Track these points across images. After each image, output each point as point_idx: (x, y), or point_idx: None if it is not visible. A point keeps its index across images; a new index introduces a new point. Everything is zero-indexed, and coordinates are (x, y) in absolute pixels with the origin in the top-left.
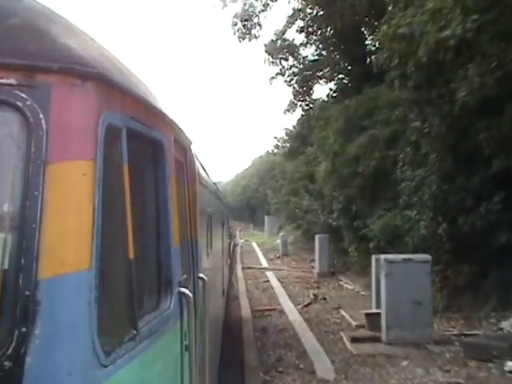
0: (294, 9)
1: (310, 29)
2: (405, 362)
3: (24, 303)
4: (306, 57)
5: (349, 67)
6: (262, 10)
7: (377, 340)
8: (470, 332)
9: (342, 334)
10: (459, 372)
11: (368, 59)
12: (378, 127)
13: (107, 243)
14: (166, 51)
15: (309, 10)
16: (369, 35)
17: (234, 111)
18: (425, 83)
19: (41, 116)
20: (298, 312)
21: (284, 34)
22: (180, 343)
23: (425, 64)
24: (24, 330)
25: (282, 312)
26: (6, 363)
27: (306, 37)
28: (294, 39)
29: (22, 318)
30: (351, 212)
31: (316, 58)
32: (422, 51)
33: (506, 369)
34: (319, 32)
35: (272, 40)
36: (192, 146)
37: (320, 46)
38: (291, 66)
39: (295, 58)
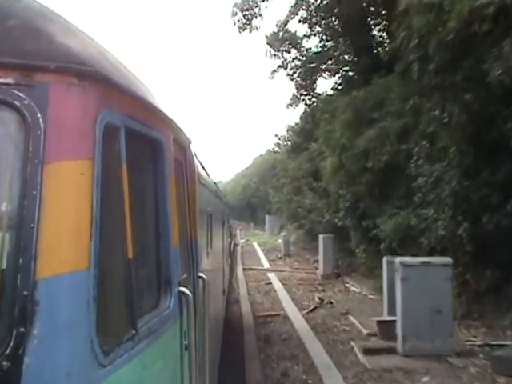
0: None
1: (313, 19)
2: (425, 378)
3: (22, 303)
4: (310, 49)
5: (355, 58)
6: (263, 0)
7: (392, 351)
8: (495, 342)
9: (352, 343)
10: None
11: (375, 50)
12: (389, 119)
13: (106, 243)
14: (165, 49)
15: (312, 0)
16: (375, 25)
17: (234, 110)
18: (449, 65)
19: (38, 115)
20: (304, 318)
21: (286, 25)
22: (180, 343)
23: (450, 42)
24: (22, 329)
25: (285, 318)
26: (5, 363)
27: (310, 28)
28: (296, 31)
29: (20, 317)
30: (359, 211)
31: (320, 50)
32: (453, 24)
33: None
34: (323, 22)
35: (274, 31)
36: (191, 145)
37: (324, 37)
38: (294, 59)
39: (298, 50)
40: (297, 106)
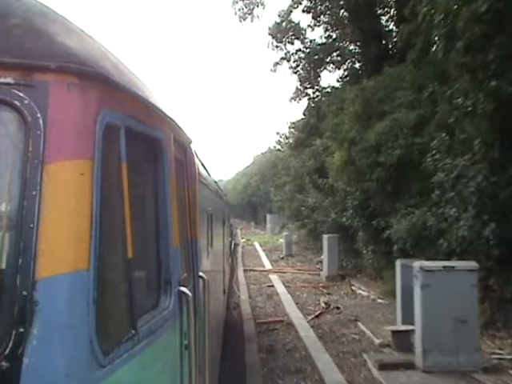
0: None
1: (318, 9)
2: None
3: (21, 303)
4: (314, 40)
5: (362, 48)
6: None
7: (411, 366)
8: None
9: (365, 356)
10: None
11: (383, 40)
12: (403, 110)
13: (106, 243)
14: (164, 45)
15: None
16: (383, 14)
17: (234, 109)
18: (480, 42)
19: (38, 115)
20: (309, 325)
21: (289, 15)
22: (180, 343)
23: (484, 14)
24: (21, 330)
25: (290, 325)
26: (4, 364)
27: (314, 18)
28: (300, 21)
29: (19, 318)
30: (368, 209)
31: (325, 41)
32: None
33: None
34: (328, 12)
35: (276, 22)
36: (192, 145)
37: (329, 27)
38: (297, 51)
39: (302, 42)
40: (300, 99)
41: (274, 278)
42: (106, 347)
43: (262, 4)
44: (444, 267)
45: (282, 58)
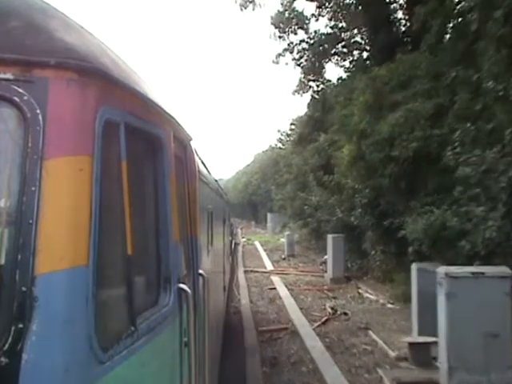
0: None
1: None
2: None
3: (21, 299)
4: (318, 30)
5: (372, 36)
6: None
7: None
8: None
9: (381, 372)
10: None
11: (394, 28)
12: (419, 100)
13: (105, 239)
14: (162, 41)
15: None
16: (393, 2)
17: (234, 107)
18: None
19: (38, 111)
20: (316, 333)
21: (293, 3)
22: (179, 340)
23: None
24: (21, 325)
25: (294, 333)
26: (3, 359)
27: (319, 7)
28: (304, 9)
29: (18, 313)
30: (378, 208)
31: (330, 31)
32: None
33: None
34: (334, 1)
35: (279, 10)
36: (192, 142)
37: (335, 16)
38: (301, 41)
39: (306, 32)
40: (304, 92)
41: (275, 279)
42: (105, 343)
43: None
44: (472, 273)
45: (285, 50)
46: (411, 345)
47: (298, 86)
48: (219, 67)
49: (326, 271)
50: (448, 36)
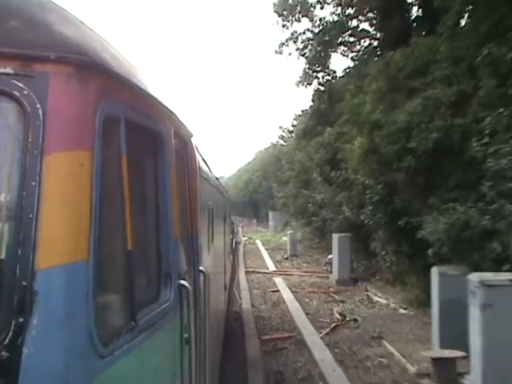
0: None
1: None
2: None
3: (21, 293)
4: (324, 18)
5: (381, 22)
6: None
7: None
8: None
9: None
10: None
11: (406, 14)
12: (439, 86)
13: (106, 234)
14: (162, 37)
15: None
16: None
17: (235, 104)
18: None
19: (38, 105)
20: (324, 343)
21: None
22: (180, 336)
23: None
24: (21, 320)
25: (301, 343)
26: (3, 353)
27: None
28: None
29: (19, 308)
30: (391, 206)
31: (336, 19)
32: None
33: None
34: None
35: None
36: (193, 139)
37: (341, 2)
38: (305, 30)
39: (310, 20)
40: (308, 84)
41: (278, 281)
42: (105, 338)
43: None
44: (511, 281)
45: (289, 39)
46: (435, 360)
47: (302, 76)
48: (219, 64)
49: (331, 272)
50: (466, 17)
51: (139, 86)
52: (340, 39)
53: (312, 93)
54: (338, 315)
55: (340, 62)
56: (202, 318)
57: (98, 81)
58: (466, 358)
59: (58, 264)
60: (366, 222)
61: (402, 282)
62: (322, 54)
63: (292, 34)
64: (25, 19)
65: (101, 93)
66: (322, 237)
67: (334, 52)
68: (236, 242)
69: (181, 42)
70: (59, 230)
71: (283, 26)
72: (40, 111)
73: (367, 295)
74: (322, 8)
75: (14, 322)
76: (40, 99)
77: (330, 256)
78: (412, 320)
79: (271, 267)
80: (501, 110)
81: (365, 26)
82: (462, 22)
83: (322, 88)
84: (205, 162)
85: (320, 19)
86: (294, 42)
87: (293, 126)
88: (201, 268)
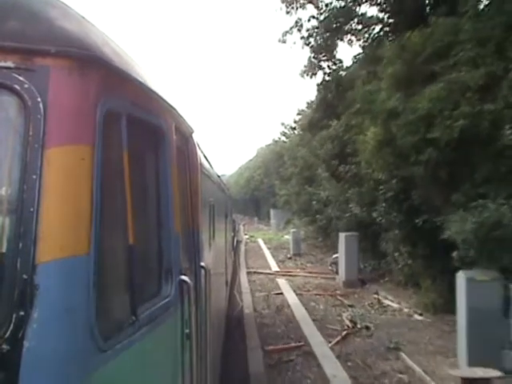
0: None
1: None
2: None
3: (22, 287)
4: (330, 3)
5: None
6: None
7: None
8: None
9: None
10: None
11: None
12: (464, 69)
13: (107, 228)
14: (159, 32)
15: None
16: None
17: (235, 101)
18: None
19: (39, 99)
20: (335, 355)
21: None
22: (181, 331)
23: None
24: (22, 313)
25: (309, 354)
26: (4, 346)
27: None
28: None
29: (19, 301)
30: (406, 203)
31: (343, 4)
32: None
33: None
34: None
35: None
36: (194, 135)
37: None
38: (310, 18)
39: (316, 7)
40: (314, 74)
41: (282, 282)
42: (106, 332)
43: None
44: None
45: (293, 27)
46: (465, 380)
47: (306, 66)
48: (220, 62)
49: (337, 273)
50: None
51: (140, 80)
52: (347, 26)
53: (318, 83)
54: (348, 322)
55: (347, 52)
56: (203, 314)
57: (99, 75)
58: (503, 378)
59: (59, 258)
60: (378, 220)
61: (415, 285)
62: (329, 41)
63: (296, 21)
64: (26, 14)
65: (101, 87)
66: (326, 235)
67: (340, 41)
68: (237, 241)
69: (180, 39)
70: (60, 224)
71: (287, 12)
72: (41, 105)
73: (378, 299)
74: None
75: (14, 316)
76: (41, 93)
77: (335, 255)
78: (430, 328)
79: (274, 267)
80: None
81: (373, 11)
82: (484, 1)
83: (329, 78)
84: (206, 159)
85: (326, 5)
86: (299, 30)
87: (295, 122)
88: (202, 264)
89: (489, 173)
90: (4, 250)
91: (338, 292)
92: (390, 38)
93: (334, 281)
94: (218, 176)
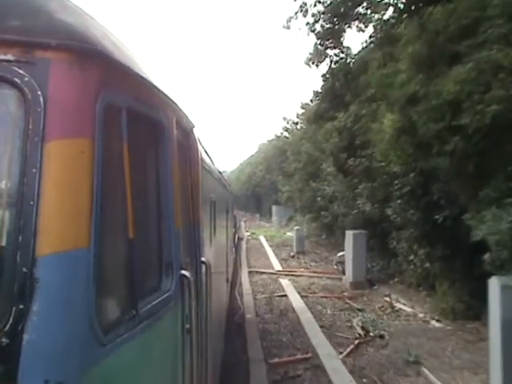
0: None
1: None
2: None
3: (22, 280)
4: None
5: None
6: None
7: None
8: None
9: None
10: None
11: None
12: (496, 47)
13: (107, 222)
14: (157, 26)
15: None
16: None
17: (237, 97)
18: None
19: (39, 92)
20: (348, 370)
21: None
22: (181, 326)
23: None
24: (22, 306)
25: (318, 368)
26: (4, 340)
27: None
28: None
29: (19, 294)
30: (425, 198)
31: None
32: None
33: None
34: None
35: None
36: (194, 130)
37: None
38: (316, 2)
39: None
40: (320, 62)
41: (285, 283)
42: (106, 326)
43: None
44: None
45: (298, 11)
46: None
47: (312, 53)
48: (219, 59)
49: (343, 273)
50: None
51: (140, 74)
52: (356, 10)
53: (323, 73)
54: (359, 329)
55: (355, 40)
56: (204, 309)
57: (99, 68)
58: None
59: (59, 251)
60: (392, 217)
61: (429, 287)
62: (336, 27)
63: (301, 6)
64: (26, 7)
65: (102, 80)
66: (330, 233)
67: (348, 27)
68: (238, 238)
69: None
70: (60, 217)
71: None
72: (41, 98)
73: (390, 303)
74: None
75: (14, 309)
76: (41, 86)
77: (340, 253)
78: (451, 337)
79: (276, 266)
80: None
81: None
82: None
83: (336, 66)
84: (207, 154)
85: None
86: (304, 16)
87: (298, 116)
88: (202, 259)
89: None
90: (4, 243)
91: (346, 294)
92: (406, 18)
93: (340, 281)
94: (220, 172)
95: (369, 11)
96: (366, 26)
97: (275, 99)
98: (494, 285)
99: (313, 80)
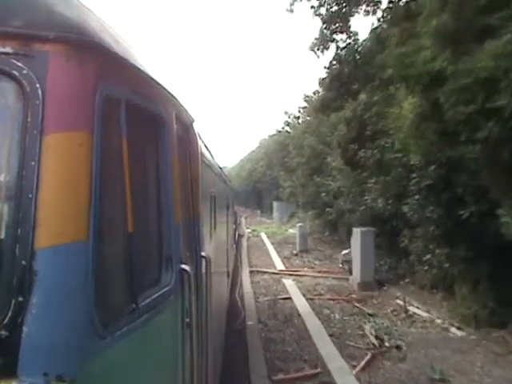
0: None
1: None
2: None
3: (21, 273)
4: None
5: None
6: None
7: None
8: None
9: None
10: None
11: None
12: None
13: (106, 215)
14: (161, 21)
15: None
16: None
17: (237, 92)
18: None
19: (37, 85)
20: None
21: None
22: (181, 320)
23: None
24: (21, 299)
25: None
26: (3, 332)
27: None
28: None
29: (18, 287)
30: (446, 194)
31: None
32: None
33: None
34: None
35: None
36: (194, 124)
37: None
38: None
39: None
40: (326, 48)
41: (289, 284)
42: (105, 319)
43: None
44: None
45: None
46: None
47: (318, 39)
48: (221, 51)
49: (350, 272)
50: None
51: (139, 67)
52: None
53: (330, 60)
54: (373, 338)
55: (362, 25)
56: (204, 303)
57: (98, 61)
58: None
59: (58, 244)
60: (409, 215)
61: (446, 290)
62: (343, 10)
63: None
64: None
65: (100, 73)
66: (334, 230)
67: (355, 12)
68: (239, 235)
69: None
70: (58, 210)
71: None
72: (39, 91)
73: (404, 306)
74: None
75: (13, 302)
76: (39, 79)
77: (345, 251)
78: (477, 349)
79: (279, 265)
80: None
81: None
82: None
83: (342, 52)
84: (207, 149)
85: None
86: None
87: (299, 111)
88: (202, 253)
89: None
90: (3, 236)
91: (354, 296)
92: None
93: (346, 281)
94: (220, 167)
95: None
96: (374, 11)
97: (276, 94)
98: None
99: (315, 73)
